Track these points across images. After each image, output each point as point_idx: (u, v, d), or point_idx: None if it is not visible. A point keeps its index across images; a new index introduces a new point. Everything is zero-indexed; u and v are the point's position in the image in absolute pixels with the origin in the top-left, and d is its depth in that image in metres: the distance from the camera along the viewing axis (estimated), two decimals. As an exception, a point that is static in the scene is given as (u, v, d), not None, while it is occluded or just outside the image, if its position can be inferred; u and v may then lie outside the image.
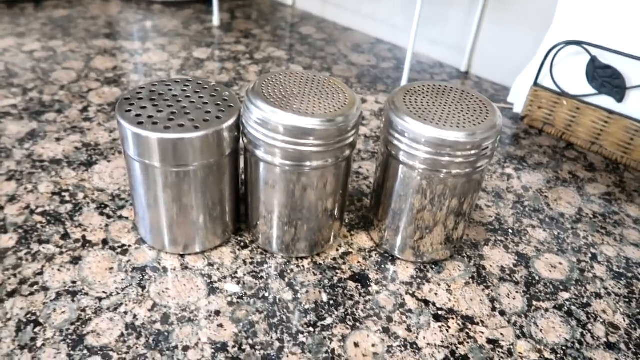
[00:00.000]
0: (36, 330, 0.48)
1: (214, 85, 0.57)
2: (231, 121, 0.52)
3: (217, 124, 0.50)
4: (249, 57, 1.08)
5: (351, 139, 0.53)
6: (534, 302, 0.57)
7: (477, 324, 0.54)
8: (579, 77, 0.83)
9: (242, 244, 0.61)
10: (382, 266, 0.60)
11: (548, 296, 0.58)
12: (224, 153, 0.53)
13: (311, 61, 1.10)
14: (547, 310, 0.56)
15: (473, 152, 0.51)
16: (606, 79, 0.80)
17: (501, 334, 0.53)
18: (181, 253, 0.58)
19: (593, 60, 0.81)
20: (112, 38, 1.11)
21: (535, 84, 0.88)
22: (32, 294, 0.52)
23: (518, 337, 0.52)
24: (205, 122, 0.50)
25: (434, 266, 0.60)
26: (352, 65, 1.09)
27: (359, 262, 0.60)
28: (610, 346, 0.52)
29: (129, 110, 0.51)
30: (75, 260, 0.56)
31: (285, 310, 0.53)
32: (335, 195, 0.57)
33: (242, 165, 0.58)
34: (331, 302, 0.54)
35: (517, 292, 0.58)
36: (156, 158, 0.50)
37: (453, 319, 0.54)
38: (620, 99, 0.80)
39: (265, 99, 0.50)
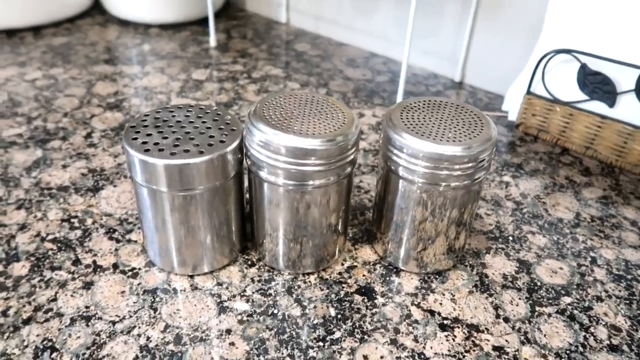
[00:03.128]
0: (53, 355, 0.50)
1: (216, 109, 0.59)
2: (234, 144, 0.53)
3: (220, 148, 0.52)
4: (246, 76, 1.10)
5: (352, 156, 0.54)
6: (537, 308, 0.58)
7: (482, 331, 0.55)
8: (571, 84, 0.85)
9: (250, 262, 0.62)
10: (387, 278, 0.61)
11: (550, 301, 0.59)
12: (229, 175, 0.55)
13: (308, 78, 1.12)
14: (550, 315, 0.57)
15: (470, 164, 0.53)
16: (597, 85, 0.82)
17: (506, 341, 0.54)
18: (190, 274, 0.59)
19: (583, 67, 0.83)
20: (112, 63, 1.13)
21: (529, 92, 0.90)
22: (47, 320, 0.53)
23: (523, 343, 0.54)
24: (209, 147, 0.52)
25: (437, 276, 0.62)
26: (348, 80, 1.11)
27: (364, 275, 0.61)
28: (613, 348, 0.54)
29: (135, 138, 0.53)
30: (88, 286, 0.58)
31: (294, 326, 0.54)
32: (339, 211, 0.58)
33: (246, 184, 0.59)
34: (339, 316, 0.56)
35: (520, 298, 0.59)
36: (163, 183, 0.52)
37: (458, 327, 0.55)
38: (611, 104, 0.82)
39: (266, 122, 0.52)
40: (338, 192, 0.56)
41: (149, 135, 0.53)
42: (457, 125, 0.55)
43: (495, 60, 1.05)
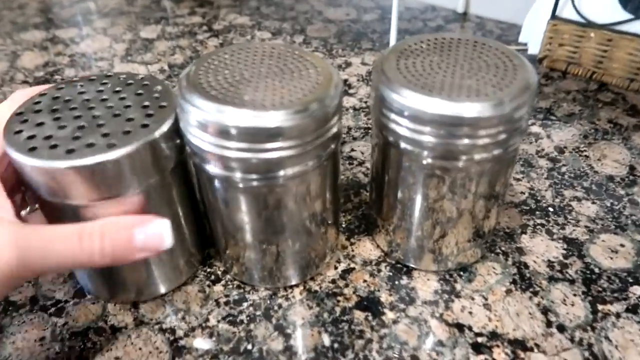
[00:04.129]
0: None
1: (143, 78, 0.42)
2: (164, 127, 0.37)
3: (143, 135, 0.36)
4: (206, 29, 0.91)
5: (334, 129, 0.38)
6: (600, 306, 0.43)
7: (531, 349, 0.40)
8: (609, 1, 0.67)
9: (213, 277, 0.47)
10: (396, 282, 0.46)
11: (615, 295, 0.44)
12: (166, 169, 0.39)
13: (280, 24, 0.93)
14: (618, 315, 0.43)
15: (502, 128, 0.37)
16: (644, -2, 0.64)
17: (565, 361, 0.40)
18: (133, 300, 0.45)
19: (625, -24, 0.64)
20: (43, 28, 0.94)
21: (554, 16, 0.72)
22: (-64, 392, 0.39)
23: (588, 363, 0.39)
24: (125, 135, 0.36)
25: (461, 273, 0.47)
26: (329, 23, 0.92)
27: (365, 281, 0.46)
28: None
29: (19, 131, 0.36)
30: (-6, 334, 0.43)
31: (276, 367, 0.40)
32: (324, 201, 0.42)
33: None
34: (335, 345, 0.41)
35: (574, 294, 0.45)
36: (68, 194, 0.35)
37: (498, 346, 0.41)
38: (663, 21, 0.64)
39: (204, 93, 0.35)
40: (321, 177, 0.40)
41: (40, 125, 0.37)
42: (479, 71, 0.39)
43: (505, -19, 0.86)
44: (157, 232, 0.31)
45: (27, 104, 0.38)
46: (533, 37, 0.77)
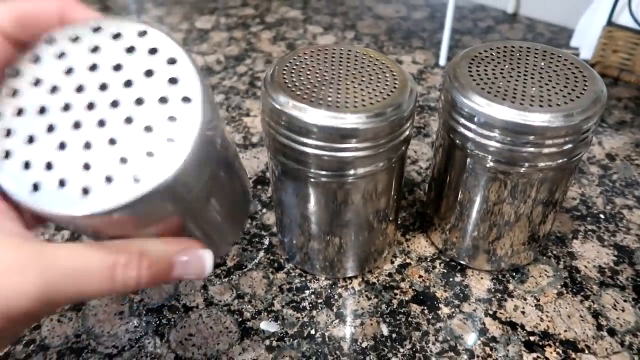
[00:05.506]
0: (36, 406, 0.39)
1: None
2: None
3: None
4: (259, 21, 0.94)
5: (407, 133, 0.40)
6: (650, 314, 0.45)
7: (582, 350, 0.42)
8: (668, 9, 0.67)
9: (276, 264, 0.50)
10: (450, 279, 0.48)
11: (666, 303, 0.46)
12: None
13: (331, 19, 0.95)
14: (668, 323, 0.44)
15: (568, 138, 0.38)
16: None
17: (616, 364, 0.41)
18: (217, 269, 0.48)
19: (687, -14, 0.64)
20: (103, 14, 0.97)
21: (609, 22, 0.72)
22: (28, 356, 0.43)
23: (638, 366, 0.41)
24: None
25: (514, 274, 0.49)
26: (379, 19, 0.94)
27: (420, 276, 0.49)
28: None
29: (7, 154, 0.23)
30: (77, 306, 0.46)
31: (337, 352, 0.42)
32: (389, 199, 0.45)
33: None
34: (393, 335, 0.44)
35: (624, 300, 0.46)
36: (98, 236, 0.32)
37: (550, 345, 0.43)
38: None
39: (288, 92, 0.38)
40: (388, 181, 0.42)
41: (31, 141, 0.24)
42: (549, 81, 0.40)
43: (559, -16, 0.86)
44: (198, 261, 0.27)
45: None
46: (586, 42, 0.78)
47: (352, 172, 0.39)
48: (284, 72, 0.40)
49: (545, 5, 0.90)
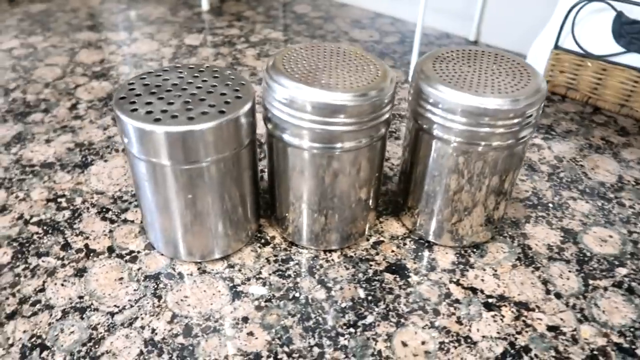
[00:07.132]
0: (43, 354, 0.43)
1: (210, 66, 0.51)
2: (247, 106, 0.46)
3: (233, 111, 0.44)
4: (244, 40, 1.01)
5: (387, 115, 0.47)
6: (590, 281, 0.52)
7: (533, 309, 0.48)
8: (604, 35, 0.78)
9: (263, 240, 0.55)
10: (419, 254, 0.54)
11: (604, 273, 0.53)
12: (243, 143, 0.47)
13: (311, 40, 1.03)
14: (605, 289, 0.51)
15: (516, 120, 0.46)
16: (635, 35, 0.74)
17: (561, 319, 0.47)
18: (197, 261, 0.52)
19: (619, 15, 0.75)
20: (96, 30, 1.03)
21: (556, 46, 0.82)
22: (34, 314, 0.46)
23: (580, 322, 0.47)
24: (216, 110, 0.44)
25: (475, 250, 0.55)
26: (354, 42, 1.02)
27: (393, 251, 0.54)
28: (682, 324, 0.48)
29: (133, 103, 0.44)
30: (80, 273, 0.50)
31: (320, 311, 0.47)
32: (370, 182, 0.51)
33: (260, 154, 0.52)
34: (369, 297, 0.49)
35: (569, 271, 0.53)
36: (165, 155, 0.44)
37: (506, 306, 0.49)
38: (650, 55, 0.74)
39: (288, 75, 0.44)
40: (370, 159, 0.49)
41: (149, 103, 0.45)
42: (500, 75, 0.48)
43: (514, 15, 0.97)
44: None
45: (123, 89, 0.47)
46: (537, 64, 0.87)
47: (339, 145, 0.45)
48: (283, 61, 0.46)
49: (503, 34, 1.00)
